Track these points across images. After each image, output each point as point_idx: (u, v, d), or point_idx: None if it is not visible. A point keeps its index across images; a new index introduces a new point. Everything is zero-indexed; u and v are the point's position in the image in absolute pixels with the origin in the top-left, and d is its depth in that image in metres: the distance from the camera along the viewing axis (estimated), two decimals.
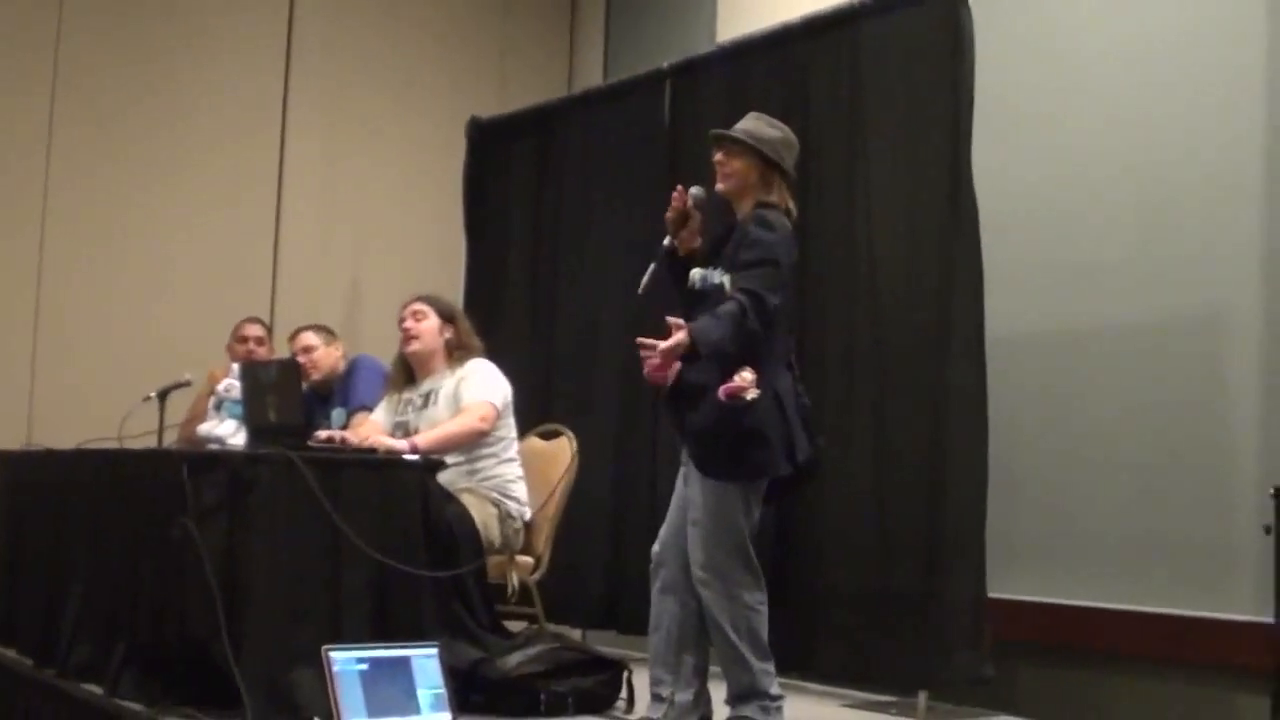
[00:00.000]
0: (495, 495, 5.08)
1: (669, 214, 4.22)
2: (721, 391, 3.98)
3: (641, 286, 4.12)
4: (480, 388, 5.10)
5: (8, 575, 5.60)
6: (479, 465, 5.09)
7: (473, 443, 5.03)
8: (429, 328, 5.27)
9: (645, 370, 4.09)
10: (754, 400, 3.99)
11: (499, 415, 5.08)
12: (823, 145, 5.50)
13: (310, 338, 6.15)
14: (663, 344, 3.90)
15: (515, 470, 5.18)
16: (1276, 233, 4.75)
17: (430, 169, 7.73)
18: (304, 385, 6.04)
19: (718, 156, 4.26)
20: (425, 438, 4.89)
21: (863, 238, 5.31)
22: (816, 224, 5.39)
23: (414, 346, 5.27)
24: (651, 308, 4.23)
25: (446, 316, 5.32)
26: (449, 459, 4.88)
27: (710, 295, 4.07)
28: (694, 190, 4.22)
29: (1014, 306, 5.35)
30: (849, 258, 5.35)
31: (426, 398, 5.19)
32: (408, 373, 5.34)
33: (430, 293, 5.43)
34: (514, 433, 5.25)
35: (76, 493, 5.08)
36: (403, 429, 5.13)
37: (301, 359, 5.96)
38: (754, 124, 4.26)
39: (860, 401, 5.22)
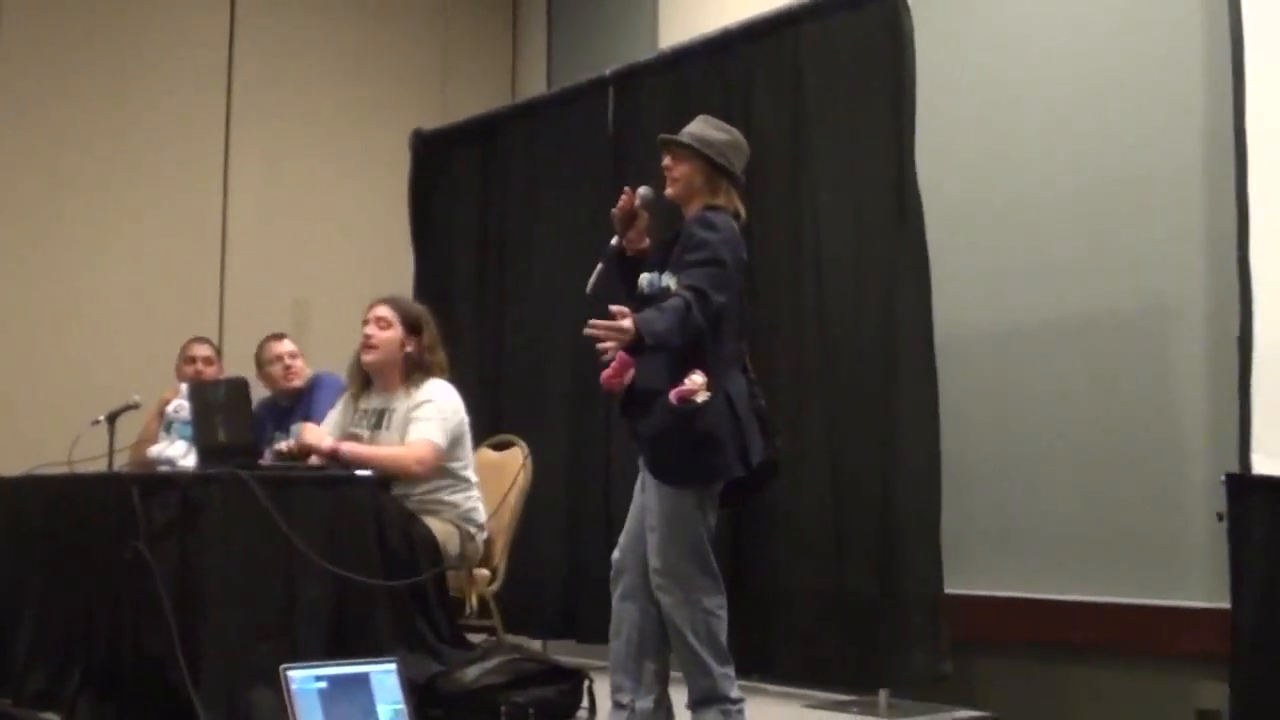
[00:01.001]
0: (455, 519, 5.02)
1: (616, 211, 4.22)
2: (672, 395, 3.98)
3: (590, 285, 4.13)
4: (428, 425, 4.93)
5: None
6: (437, 495, 4.99)
7: (403, 477, 4.89)
8: (390, 338, 5.08)
9: (602, 377, 4.10)
10: (705, 403, 3.99)
11: (440, 457, 4.94)
12: (766, 149, 5.49)
13: (292, 345, 6.13)
14: (615, 322, 3.86)
15: (473, 497, 5.10)
16: (1218, 221, 4.79)
17: (376, 182, 7.69)
18: (269, 395, 6.05)
19: (666, 161, 4.26)
20: (355, 450, 4.85)
21: (809, 240, 5.32)
22: (761, 227, 5.37)
23: (370, 357, 5.11)
24: (600, 311, 4.23)
25: (412, 326, 5.12)
26: (403, 489, 4.84)
27: (657, 299, 4.06)
28: (642, 190, 4.23)
29: (961, 302, 5.39)
30: (795, 261, 5.37)
31: (380, 416, 5.08)
32: (365, 379, 5.19)
33: (400, 296, 5.27)
34: (469, 459, 5.14)
35: (27, 519, 5.03)
36: (349, 442, 5.05)
37: (279, 366, 5.96)
38: (701, 128, 4.26)
39: (811, 403, 5.23)
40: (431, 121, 7.43)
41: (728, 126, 4.32)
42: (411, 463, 4.86)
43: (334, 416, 5.25)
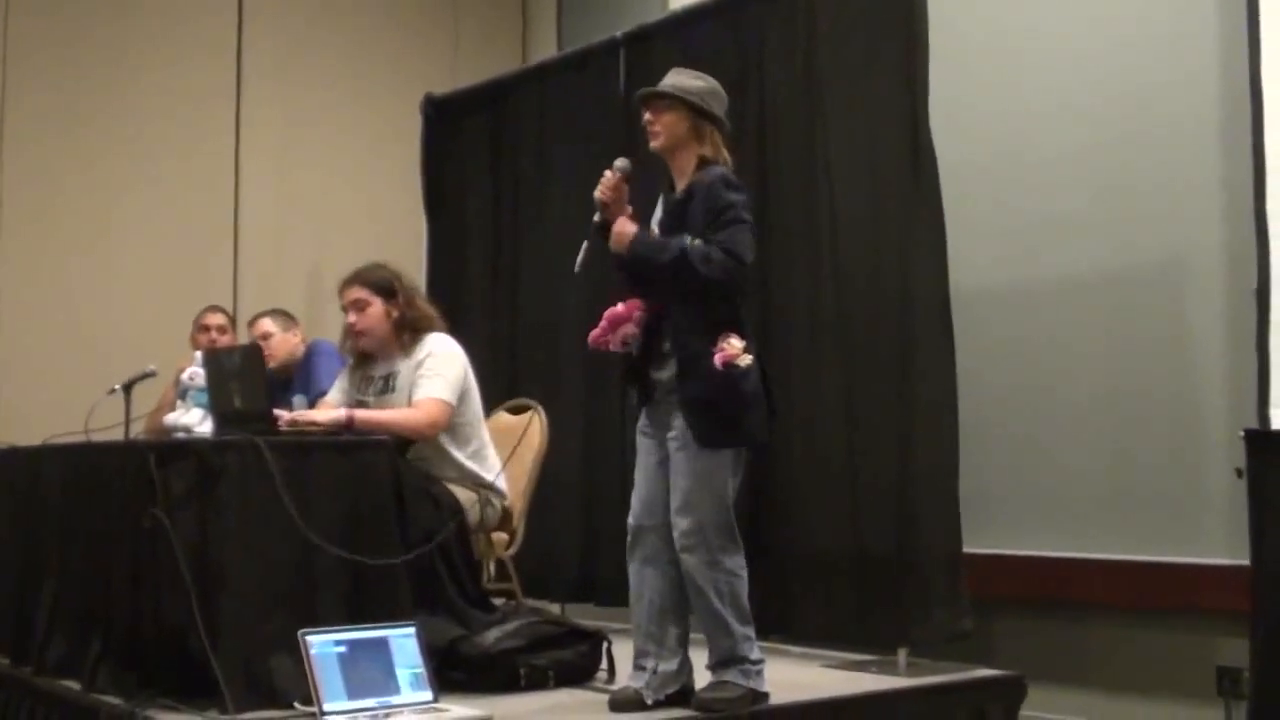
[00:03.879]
0: (471, 484, 4.99)
1: (604, 193, 4.20)
2: (718, 360, 3.98)
3: (577, 264, 4.13)
4: (434, 383, 4.90)
5: None
6: (452, 457, 4.96)
7: (417, 439, 4.90)
8: (373, 316, 5.03)
9: (590, 337, 4.15)
10: (748, 367, 4.00)
11: (452, 412, 4.91)
12: (779, 108, 5.49)
13: (267, 324, 6.11)
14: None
15: (486, 452, 5.08)
16: (1234, 174, 4.76)
17: (388, 149, 7.67)
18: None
19: (646, 116, 4.23)
20: (367, 415, 4.84)
21: (824, 201, 5.29)
22: (776, 186, 5.39)
23: (364, 343, 5.08)
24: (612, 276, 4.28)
25: (386, 292, 5.05)
26: (417, 453, 4.84)
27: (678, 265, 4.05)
28: (620, 163, 4.22)
29: (977, 260, 5.37)
30: (810, 220, 5.34)
31: (386, 380, 5.07)
32: (362, 352, 5.17)
33: (361, 269, 5.15)
34: (478, 415, 5.11)
35: (45, 488, 5.04)
36: (362, 409, 5.02)
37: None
38: (677, 78, 4.25)
39: (828, 361, 5.22)
40: (442, 86, 7.41)
41: (703, 74, 4.28)
42: (424, 424, 4.84)
43: (339, 386, 5.24)
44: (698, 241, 4.03)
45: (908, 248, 5.00)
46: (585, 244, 4.15)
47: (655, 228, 4.23)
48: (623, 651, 4.47)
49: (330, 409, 4.99)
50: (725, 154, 4.23)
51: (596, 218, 4.20)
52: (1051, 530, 5.28)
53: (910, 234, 5.00)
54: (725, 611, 4.06)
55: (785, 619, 5.21)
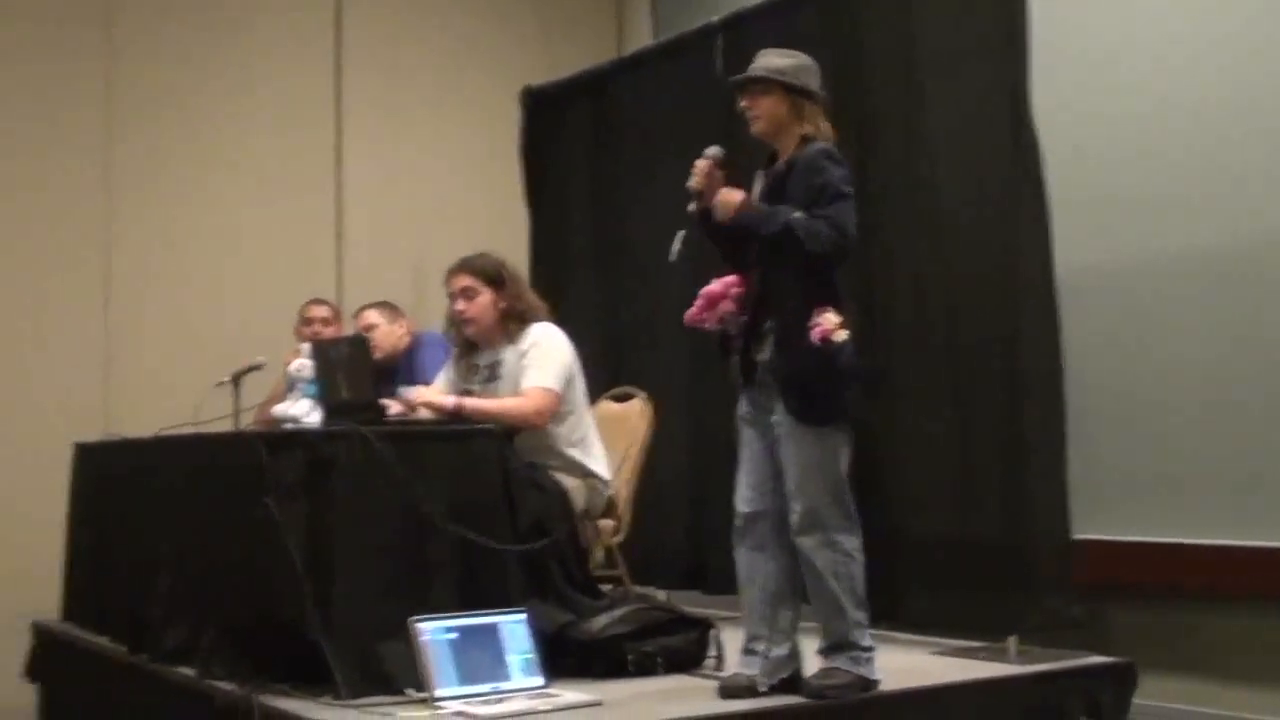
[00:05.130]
0: (578, 471, 5.00)
1: (698, 183, 4.18)
2: (815, 334, 3.96)
3: (672, 253, 4.13)
4: (540, 371, 4.92)
5: (95, 565, 5.65)
6: (557, 447, 4.98)
7: (525, 428, 4.91)
8: (481, 304, 5.06)
9: (685, 316, 4.14)
10: (844, 341, 3.98)
11: (558, 403, 4.93)
12: (878, 92, 5.45)
13: (372, 316, 6.17)
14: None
15: (591, 440, 5.09)
16: None
17: (487, 141, 7.70)
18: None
19: (743, 103, 4.22)
20: (476, 404, 4.86)
21: (925, 182, 5.25)
22: (876, 170, 5.34)
23: (471, 331, 5.11)
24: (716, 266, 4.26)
25: (494, 281, 5.08)
26: (523, 442, 4.85)
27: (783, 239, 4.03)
28: (712, 151, 4.20)
29: (1084, 242, 5.28)
30: (912, 204, 5.30)
31: (492, 369, 5.10)
32: (468, 340, 5.19)
33: (469, 256, 5.17)
34: (584, 403, 5.12)
35: (157, 479, 5.12)
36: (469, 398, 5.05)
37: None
38: (767, 59, 4.22)
39: (933, 345, 5.19)
40: (538, 77, 7.43)
41: (791, 51, 4.25)
42: (532, 413, 4.86)
43: (445, 375, 5.27)
44: (801, 214, 4.00)
45: (1012, 229, 4.95)
46: (680, 234, 4.14)
47: (758, 202, 4.20)
48: (730, 639, 4.45)
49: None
50: (826, 128, 4.20)
51: (692, 206, 4.19)
52: (1165, 515, 5.18)
53: (1015, 216, 4.94)
54: (841, 595, 4.05)
55: (893, 605, 5.16)
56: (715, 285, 4.20)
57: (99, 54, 7.00)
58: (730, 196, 4.12)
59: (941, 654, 4.97)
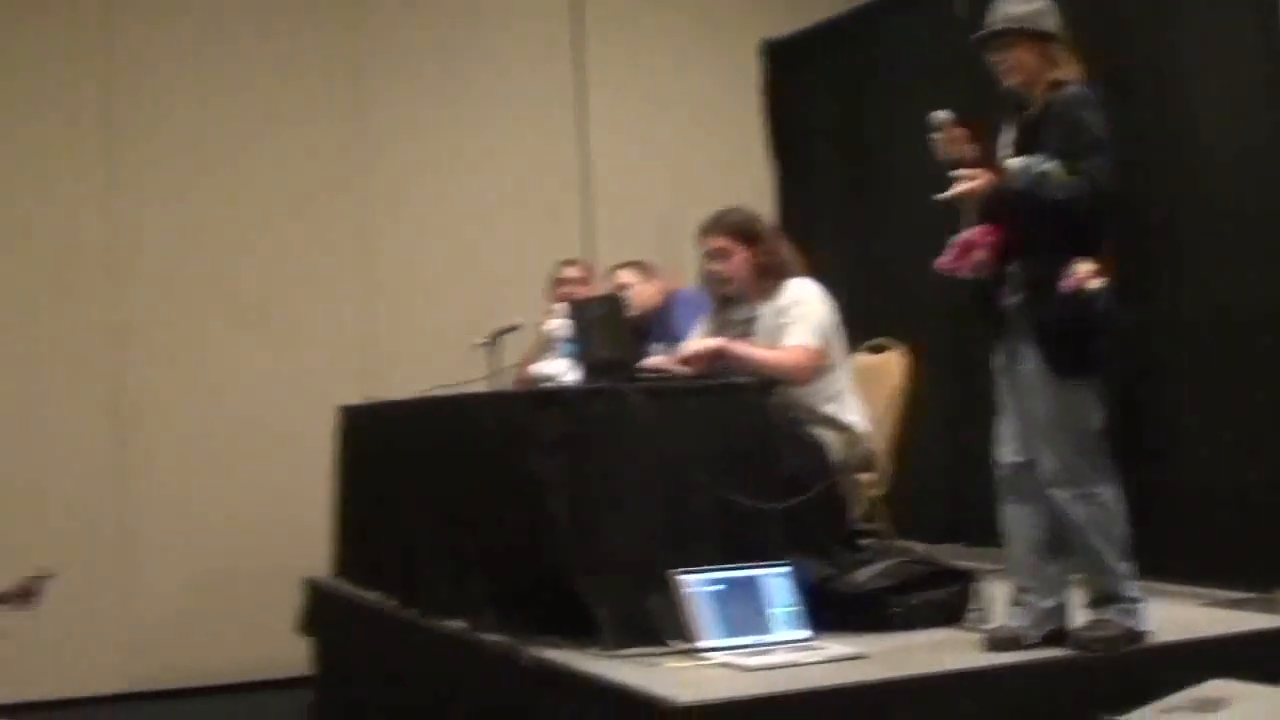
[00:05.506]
0: (835, 422, 4.96)
1: (942, 156, 4.09)
2: (1069, 284, 3.86)
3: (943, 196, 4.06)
4: (800, 329, 4.88)
5: (363, 523, 5.82)
6: (813, 403, 4.93)
7: (785, 381, 4.84)
8: (737, 263, 5.02)
9: (937, 263, 4.06)
10: (1098, 290, 3.87)
11: (818, 359, 4.89)
12: (1129, 38, 5.30)
13: (625, 275, 6.22)
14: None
15: (848, 394, 5.03)
16: None
17: (727, 94, 7.68)
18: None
19: (994, 57, 4.11)
20: (742, 348, 4.84)
21: (1179, 111, 5.17)
22: (1129, 105, 5.17)
23: (727, 290, 5.08)
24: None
25: (748, 238, 5.04)
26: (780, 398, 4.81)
27: (1035, 189, 3.93)
28: (941, 115, 4.11)
29: None
30: (1168, 133, 5.20)
31: (747, 325, 5.06)
32: (723, 297, 5.18)
33: (722, 212, 5.12)
34: (842, 358, 5.07)
35: (420, 439, 5.25)
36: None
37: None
38: (1007, 8, 4.10)
39: (1203, 281, 5.08)
40: (778, 29, 7.37)
41: None
42: (792, 367, 4.82)
43: (701, 331, 5.27)
44: (1054, 165, 3.89)
45: (1274, 155, 4.81)
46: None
47: (1009, 149, 4.10)
48: (994, 592, 4.39)
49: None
50: (1076, 68, 4.08)
51: (950, 191, 4.08)
52: None
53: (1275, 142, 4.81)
54: (1102, 546, 3.96)
55: (1159, 557, 5.02)
56: (969, 233, 4.12)
57: (352, 46, 7.19)
58: (1009, 165, 4.01)
59: (1210, 605, 4.82)
